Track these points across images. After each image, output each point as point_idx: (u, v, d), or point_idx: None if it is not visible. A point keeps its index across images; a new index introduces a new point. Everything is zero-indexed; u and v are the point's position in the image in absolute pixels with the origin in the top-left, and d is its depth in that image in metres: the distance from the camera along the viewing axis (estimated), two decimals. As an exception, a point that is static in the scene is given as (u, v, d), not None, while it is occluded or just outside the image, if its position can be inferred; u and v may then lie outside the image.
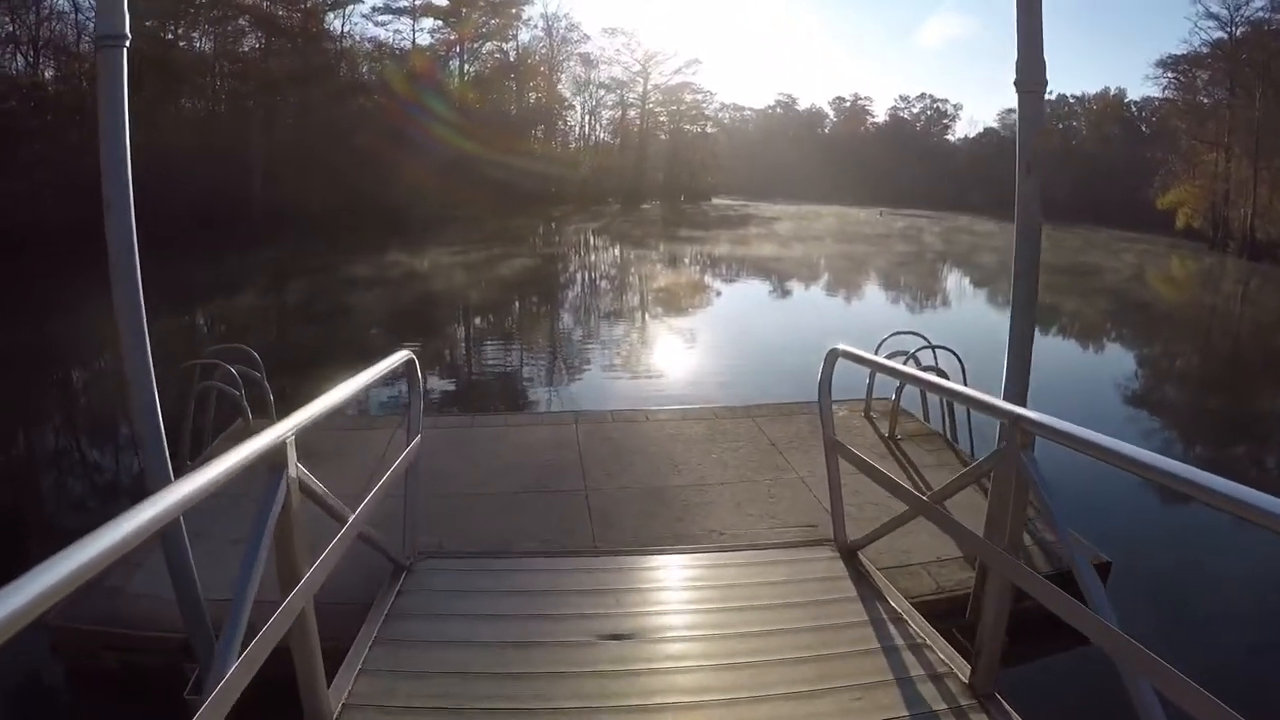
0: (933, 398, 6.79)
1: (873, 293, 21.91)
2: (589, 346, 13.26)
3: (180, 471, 2.59)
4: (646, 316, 17.00)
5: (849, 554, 3.80)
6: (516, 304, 18.77)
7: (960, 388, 3.53)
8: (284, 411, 2.27)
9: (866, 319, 17.16)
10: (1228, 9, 42.80)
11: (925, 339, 6.81)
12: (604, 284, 23.03)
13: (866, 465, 3.68)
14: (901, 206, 65.57)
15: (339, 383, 2.68)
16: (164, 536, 2.84)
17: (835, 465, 3.96)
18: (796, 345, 13.13)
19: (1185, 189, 45.79)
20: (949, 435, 6.37)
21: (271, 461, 2.05)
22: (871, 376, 6.58)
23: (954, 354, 6.69)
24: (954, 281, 26.19)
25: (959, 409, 6.32)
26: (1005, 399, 3.11)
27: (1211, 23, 43.93)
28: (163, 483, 2.63)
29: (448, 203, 35.20)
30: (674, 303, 18.62)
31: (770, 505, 4.85)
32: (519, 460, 5.42)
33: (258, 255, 23.20)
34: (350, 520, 2.60)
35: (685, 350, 13.27)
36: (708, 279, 24.22)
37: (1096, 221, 54.71)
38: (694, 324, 16.05)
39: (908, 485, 3.74)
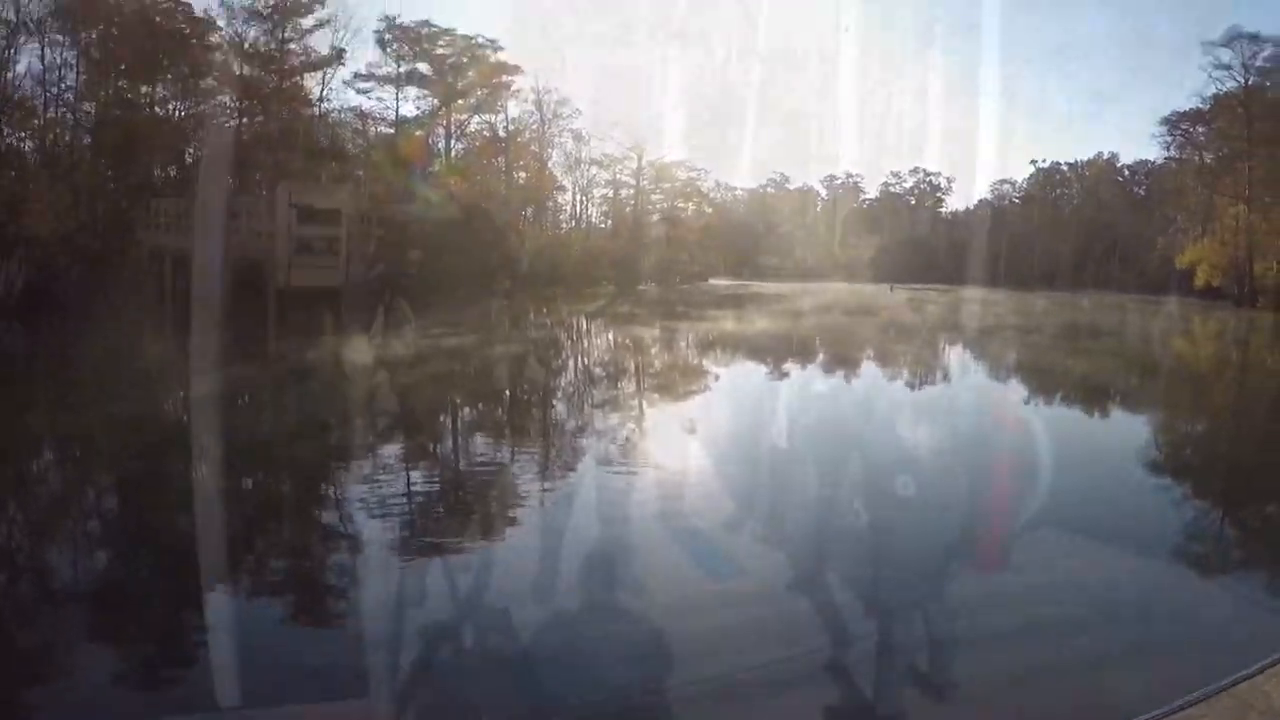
0: None
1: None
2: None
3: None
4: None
5: None
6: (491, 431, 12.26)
7: None
8: None
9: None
10: (1240, 60, 41.50)
11: None
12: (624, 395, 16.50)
13: None
14: (901, 281, 62.52)
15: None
16: None
17: None
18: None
19: (1204, 246, 44.48)
20: None
21: None
22: None
23: None
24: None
25: None
26: None
27: (1224, 73, 42.60)
28: None
29: (430, 284, 31.84)
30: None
31: None
32: None
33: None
34: None
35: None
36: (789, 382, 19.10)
37: (1101, 286, 52.14)
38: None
39: None
